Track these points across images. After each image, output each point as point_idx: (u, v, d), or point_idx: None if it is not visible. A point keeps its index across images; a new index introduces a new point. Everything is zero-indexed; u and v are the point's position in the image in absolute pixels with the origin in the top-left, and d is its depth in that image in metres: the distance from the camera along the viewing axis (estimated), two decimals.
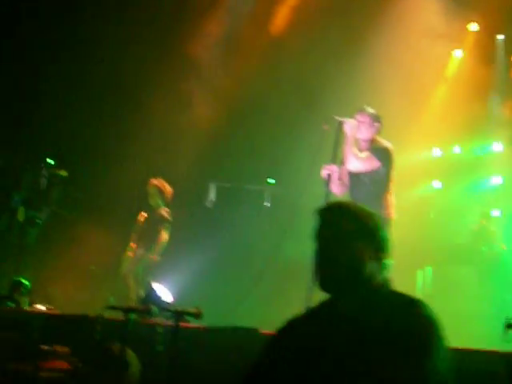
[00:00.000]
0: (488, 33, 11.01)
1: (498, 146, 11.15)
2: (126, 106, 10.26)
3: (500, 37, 11.27)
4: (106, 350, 4.47)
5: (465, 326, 8.33)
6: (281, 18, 10.96)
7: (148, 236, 8.70)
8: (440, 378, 2.34)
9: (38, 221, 9.48)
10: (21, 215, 9.32)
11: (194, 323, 5.26)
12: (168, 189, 8.88)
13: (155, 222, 8.74)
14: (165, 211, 8.81)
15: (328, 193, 6.22)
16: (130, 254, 8.75)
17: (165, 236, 8.71)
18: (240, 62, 10.43)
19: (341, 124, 6.36)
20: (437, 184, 11.53)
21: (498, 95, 11.12)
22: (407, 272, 9.51)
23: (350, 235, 2.53)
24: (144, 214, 8.84)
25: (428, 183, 11.50)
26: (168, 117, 10.09)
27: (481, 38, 11.04)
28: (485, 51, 11.01)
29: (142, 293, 8.36)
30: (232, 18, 10.60)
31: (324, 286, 2.54)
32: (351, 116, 6.54)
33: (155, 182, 8.87)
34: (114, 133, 10.21)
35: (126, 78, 10.11)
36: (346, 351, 2.39)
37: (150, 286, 6.40)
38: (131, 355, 4.47)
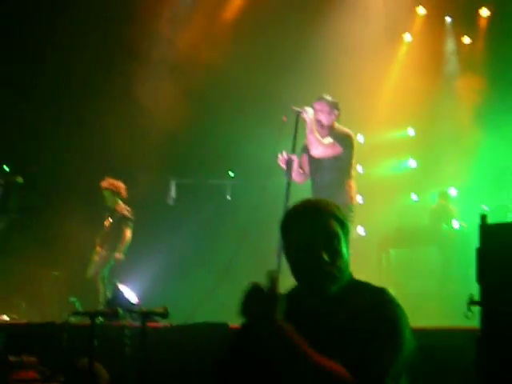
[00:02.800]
0: (436, 15, 11.15)
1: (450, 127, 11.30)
2: (81, 109, 10.14)
3: (448, 18, 11.43)
4: (74, 364, 4.43)
5: (431, 306, 8.46)
6: (233, 8, 10.92)
7: (112, 237, 8.68)
8: (408, 356, 2.46)
9: None
10: None
11: (162, 322, 5.26)
12: (119, 185, 8.87)
13: (117, 221, 8.72)
14: (125, 209, 8.78)
15: (289, 182, 6.24)
16: (95, 257, 8.70)
17: (128, 234, 8.70)
18: (196, 57, 10.38)
19: (299, 114, 6.40)
20: (395, 166, 11.66)
21: (450, 75, 11.28)
22: (371, 256, 9.61)
23: (337, 236, 2.56)
24: (109, 219, 8.80)
25: (385, 166, 11.61)
26: (125, 117, 10.01)
27: (429, 21, 11.17)
28: (434, 33, 11.15)
29: (109, 295, 8.36)
30: (181, 13, 10.53)
31: (315, 285, 2.54)
32: (310, 105, 6.58)
33: (105, 184, 8.85)
34: (71, 135, 10.09)
35: (79, 80, 10.01)
36: (324, 340, 2.44)
37: (116, 288, 6.36)
38: (99, 367, 4.43)
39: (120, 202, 8.83)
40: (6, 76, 9.79)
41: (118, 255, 8.61)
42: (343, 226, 2.59)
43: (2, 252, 9.45)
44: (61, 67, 9.96)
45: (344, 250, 2.56)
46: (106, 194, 8.81)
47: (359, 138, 10.76)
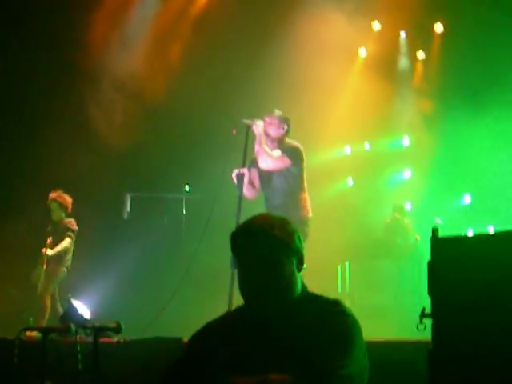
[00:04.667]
0: (391, 29, 11.30)
1: (406, 141, 11.48)
2: (33, 121, 10.02)
3: (402, 33, 11.60)
4: None
5: (386, 318, 8.54)
6: (189, 20, 10.90)
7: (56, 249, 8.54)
8: (360, 369, 2.50)
9: None
10: None
11: (115, 337, 5.20)
12: (67, 199, 8.76)
13: (60, 233, 8.59)
14: (68, 221, 8.68)
15: (240, 196, 6.24)
16: (40, 271, 8.53)
17: (67, 244, 8.57)
18: (152, 69, 10.35)
19: (249, 127, 6.42)
20: (350, 181, 11.77)
21: (404, 89, 11.44)
22: (327, 268, 9.66)
23: (283, 252, 2.59)
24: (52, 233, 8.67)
25: (342, 180, 11.72)
26: (79, 131, 9.92)
27: (384, 35, 11.31)
28: (389, 47, 11.30)
29: (61, 310, 8.23)
30: (132, 33, 10.49)
31: (259, 302, 2.58)
32: (261, 118, 6.60)
33: (54, 195, 8.72)
34: (23, 150, 9.95)
35: (34, 91, 9.88)
36: (269, 355, 2.47)
37: (69, 304, 6.26)
38: None
39: (64, 216, 8.71)
40: None
41: (63, 269, 8.51)
42: (289, 247, 2.61)
43: None
44: (14, 88, 9.83)
45: (288, 271, 2.59)
46: (53, 206, 8.68)
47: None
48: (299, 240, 2.66)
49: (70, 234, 8.62)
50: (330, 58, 10.23)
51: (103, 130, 9.96)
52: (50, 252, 8.43)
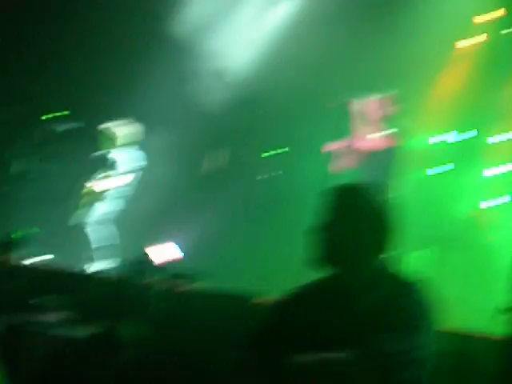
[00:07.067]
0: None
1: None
2: None
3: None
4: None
5: (456, 311, 8.39)
6: None
7: None
8: (425, 355, 2.45)
9: None
10: None
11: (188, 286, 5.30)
12: (120, 131, 8.59)
13: None
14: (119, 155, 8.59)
15: (333, 167, 6.38)
16: None
17: None
18: None
19: (351, 103, 6.53)
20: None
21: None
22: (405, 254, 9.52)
23: (364, 215, 2.58)
24: None
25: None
26: None
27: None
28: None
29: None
30: None
31: (325, 262, 2.59)
32: (363, 97, 6.71)
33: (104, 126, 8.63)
34: None
35: None
36: (345, 327, 2.48)
37: (148, 248, 6.37)
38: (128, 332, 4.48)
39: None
40: None
41: None
42: (376, 210, 2.59)
43: None
44: None
45: (369, 237, 2.57)
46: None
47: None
48: (388, 210, 2.63)
49: None
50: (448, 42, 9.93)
51: None
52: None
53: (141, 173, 8.80)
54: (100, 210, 8.46)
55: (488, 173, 10.84)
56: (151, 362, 4.43)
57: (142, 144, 9.03)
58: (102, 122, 8.69)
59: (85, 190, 8.50)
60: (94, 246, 8.33)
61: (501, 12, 10.12)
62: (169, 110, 9.49)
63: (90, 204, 8.45)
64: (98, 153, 8.67)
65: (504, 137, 10.58)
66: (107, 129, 8.57)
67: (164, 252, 6.20)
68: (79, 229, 8.44)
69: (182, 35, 9.56)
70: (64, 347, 4.68)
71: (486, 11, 10.18)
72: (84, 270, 7.70)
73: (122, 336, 4.42)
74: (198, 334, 5.24)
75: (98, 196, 8.43)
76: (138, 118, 8.97)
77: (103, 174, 8.49)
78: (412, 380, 2.39)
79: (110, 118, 8.71)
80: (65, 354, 4.60)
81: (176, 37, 9.52)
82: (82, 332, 4.82)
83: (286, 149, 9.83)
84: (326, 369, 2.38)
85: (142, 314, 4.63)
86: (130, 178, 8.55)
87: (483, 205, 10.17)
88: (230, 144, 10.52)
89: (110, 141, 8.54)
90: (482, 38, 10.57)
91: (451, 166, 11.08)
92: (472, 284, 9.15)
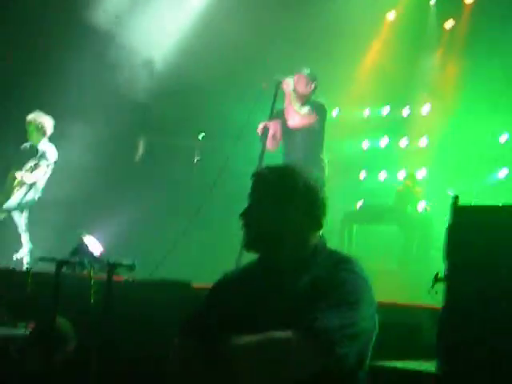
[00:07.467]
0: None
1: (426, 108, 11.34)
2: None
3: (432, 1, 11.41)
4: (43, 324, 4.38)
5: (390, 283, 8.58)
6: None
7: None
8: (367, 328, 2.48)
9: None
10: None
11: (126, 276, 5.26)
12: (48, 122, 8.41)
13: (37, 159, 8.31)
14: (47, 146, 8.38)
15: (263, 147, 6.41)
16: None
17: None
18: None
19: (280, 83, 6.62)
20: (366, 144, 11.70)
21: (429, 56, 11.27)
22: (334, 230, 9.68)
23: (283, 194, 2.58)
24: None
25: (357, 142, 11.64)
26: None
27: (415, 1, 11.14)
28: (418, 14, 11.13)
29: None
30: None
31: (250, 245, 2.61)
32: (289, 75, 6.81)
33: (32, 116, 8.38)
34: None
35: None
36: (282, 306, 2.48)
37: (81, 238, 6.29)
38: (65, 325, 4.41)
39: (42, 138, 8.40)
40: None
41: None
42: (300, 188, 2.59)
43: None
44: None
45: (287, 210, 2.57)
46: (31, 128, 8.37)
47: (334, 112, 10.85)
48: (317, 187, 2.64)
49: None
50: (358, 20, 10.09)
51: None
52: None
53: (69, 162, 8.68)
54: (27, 200, 8.29)
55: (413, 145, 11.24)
56: (92, 355, 4.37)
57: (68, 134, 8.94)
58: (27, 112, 8.49)
59: (13, 180, 8.33)
60: (23, 238, 8.20)
61: None
62: (95, 100, 9.42)
63: (18, 194, 8.27)
64: (26, 143, 8.52)
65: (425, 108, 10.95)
66: (35, 119, 8.37)
67: (97, 242, 6.11)
68: (7, 220, 8.30)
69: (104, 25, 9.47)
70: (3, 345, 4.58)
71: None
72: (16, 264, 7.55)
73: (61, 330, 4.35)
74: (138, 323, 5.22)
75: (25, 186, 8.26)
76: (64, 109, 8.86)
77: (31, 164, 8.32)
78: (356, 354, 2.40)
79: (34, 109, 8.51)
80: (5, 352, 4.51)
81: (98, 27, 9.42)
82: (22, 329, 4.74)
83: (214, 133, 9.85)
84: (265, 349, 2.33)
85: (81, 305, 4.57)
86: (51, 168, 8.40)
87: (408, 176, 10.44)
88: (158, 132, 10.52)
89: (38, 131, 8.36)
90: (409, 9, 10.85)
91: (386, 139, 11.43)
92: (407, 257, 9.40)
